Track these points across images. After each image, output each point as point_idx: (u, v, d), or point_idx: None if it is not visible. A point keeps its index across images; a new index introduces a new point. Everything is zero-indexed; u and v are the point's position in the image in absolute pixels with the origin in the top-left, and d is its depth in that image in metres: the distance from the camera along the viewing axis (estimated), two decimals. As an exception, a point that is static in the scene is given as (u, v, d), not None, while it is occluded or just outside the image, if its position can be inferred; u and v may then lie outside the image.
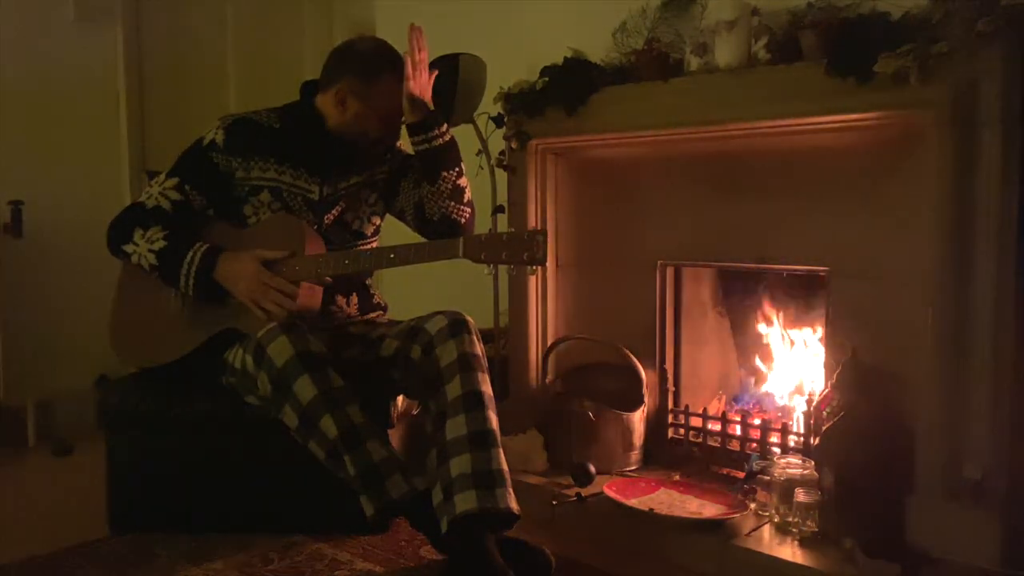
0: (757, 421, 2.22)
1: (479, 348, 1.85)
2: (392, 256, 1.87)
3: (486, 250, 1.73)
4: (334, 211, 2.09)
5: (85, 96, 3.12)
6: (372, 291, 2.21)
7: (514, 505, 1.72)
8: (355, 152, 2.08)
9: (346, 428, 1.74)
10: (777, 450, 2.14)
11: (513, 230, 1.86)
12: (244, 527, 2.01)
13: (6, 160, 2.91)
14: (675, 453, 2.35)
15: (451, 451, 1.74)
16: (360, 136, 2.04)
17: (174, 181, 2.03)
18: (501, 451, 1.77)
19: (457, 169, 2.02)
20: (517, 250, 1.70)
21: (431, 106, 1.97)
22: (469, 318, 1.89)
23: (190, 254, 1.93)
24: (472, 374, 1.80)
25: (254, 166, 2.03)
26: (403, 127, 2.01)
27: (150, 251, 1.96)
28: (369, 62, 2.01)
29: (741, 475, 2.13)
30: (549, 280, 2.53)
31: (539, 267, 1.80)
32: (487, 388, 1.81)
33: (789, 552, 1.79)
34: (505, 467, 1.75)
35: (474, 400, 1.77)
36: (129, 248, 1.99)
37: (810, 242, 2.09)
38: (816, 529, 1.83)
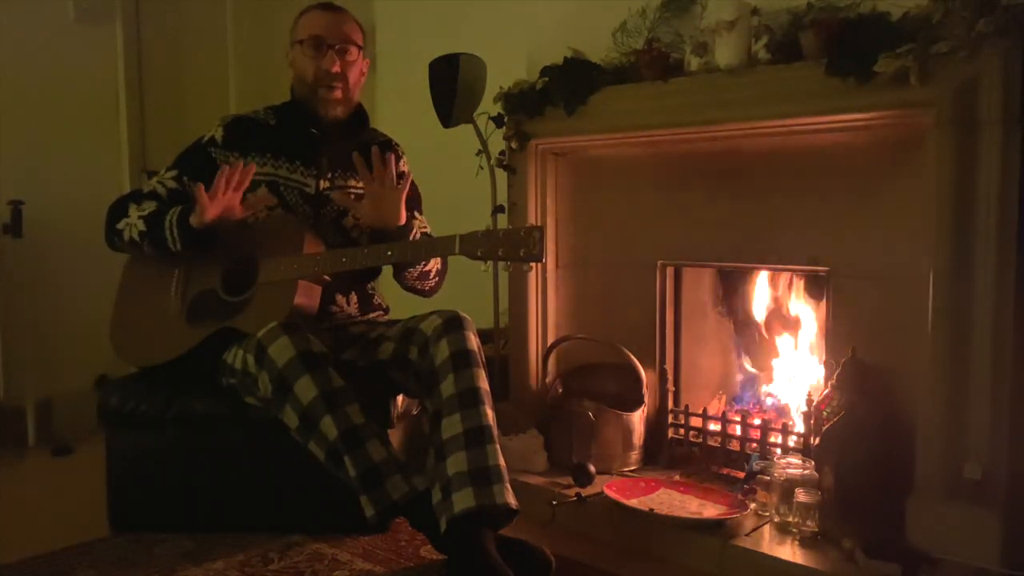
0: (757, 421, 2.22)
1: (474, 344, 1.85)
2: (389, 253, 1.87)
3: (483, 247, 1.73)
4: (331, 208, 2.10)
5: (85, 96, 3.12)
6: (372, 291, 2.22)
7: (512, 500, 1.72)
8: (343, 139, 2.11)
9: (346, 429, 1.74)
10: (777, 450, 2.14)
11: (510, 227, 1.86)
12: (244, 527, 2.01)
13: (6, 160, 2.91)
14: (675, 453, 2.35)
15: (447, 450, 1.74)
16: (309, 89, 2.08)
17: (173, 173, 2.10)
18: (498, 446, 1.76)
19: (422, 263, 2.08)
20: (514, 246, 1.70)
21: (400, 220, 2.00)
22: (464, 315, 1.89)
23: (171, 211, 1.98)
24: (466, 371, 1.80)
25: (251, 161, 2.06)
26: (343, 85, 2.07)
27: (140, 218, 2.00)
28: (299, 13, 2.13)
29: (741, 475, 2.13)
30: (549, 280, 2.54)
31: (536, 264, 1.80)
32: (483, 383, 1.81)
33: (789, 552, 1.79)
34: (502, 462, 1.75)
35: (469, 397, 1.77)
36: (122, 224, 2.03)
37: (810, 242, 2.09)
38: (816, 529, 1.83)
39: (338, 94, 2.08)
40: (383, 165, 1.96)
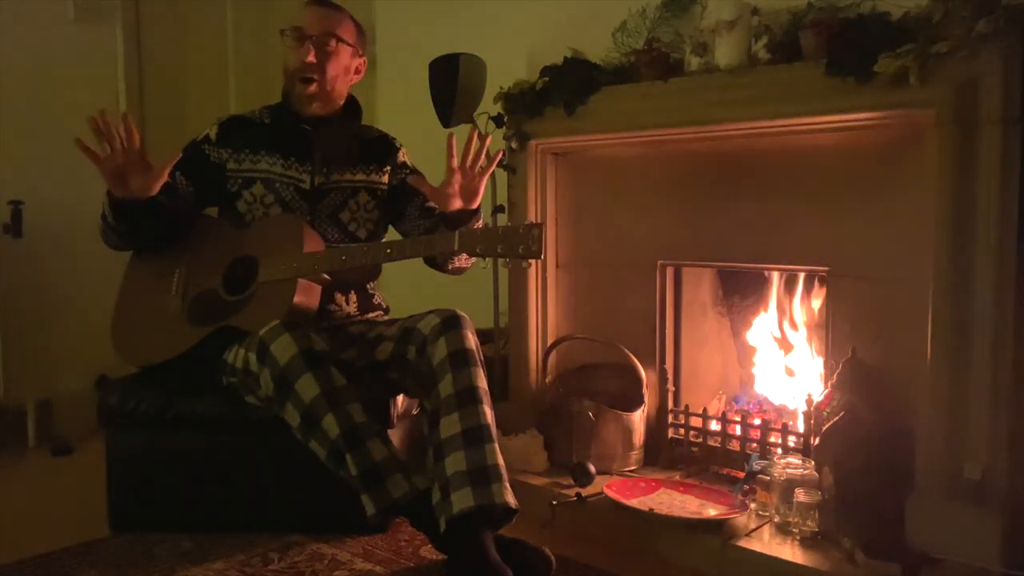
0: (757, 421, 2.22)
1: (472, 343, 1.84)
2: (389, 251, 1.87)
3: (482, 243, 1.73)
4: (327, 203, 2.11)
5: (85, 96, 3.12)
6: (372, 291, 2.22)
7: (511, 500, 1.71)
8: (336, 133, 2.12)
9: (348, 427, 1.74)
10: (777, 450, 2.14)
11: (509, 224, 1.85)
12: (244, 527, 2.01)
13: (6, 160, 2.91)
14: (675, 453, 2.35)
15: (446, 449, 1.74)
16: (289, 82, 2.10)
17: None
18: (496, 446, 1.76)
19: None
20: (513, 243, 1.69)
21: (474, 204, 1.91)
22: (462, 314, 1.88)
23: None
24: (464, 370, 1.79)
25: (245, 158, 2.09)
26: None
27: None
28: None
29: (741, 475, 2.13)
30: (549, 280, 2.54)
31: (535, 261, 1.79)
32: (481, 383, 1.81)
33: (789, 552, 1.79)
34: (501, 462, 1.75)
35: (467, 396, 1.77)
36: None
37: (810, 242, 2.09)
38: (816, 529, 1.83)
39: (313, 88, 2.07)
40: (480, 146, 1.88)
